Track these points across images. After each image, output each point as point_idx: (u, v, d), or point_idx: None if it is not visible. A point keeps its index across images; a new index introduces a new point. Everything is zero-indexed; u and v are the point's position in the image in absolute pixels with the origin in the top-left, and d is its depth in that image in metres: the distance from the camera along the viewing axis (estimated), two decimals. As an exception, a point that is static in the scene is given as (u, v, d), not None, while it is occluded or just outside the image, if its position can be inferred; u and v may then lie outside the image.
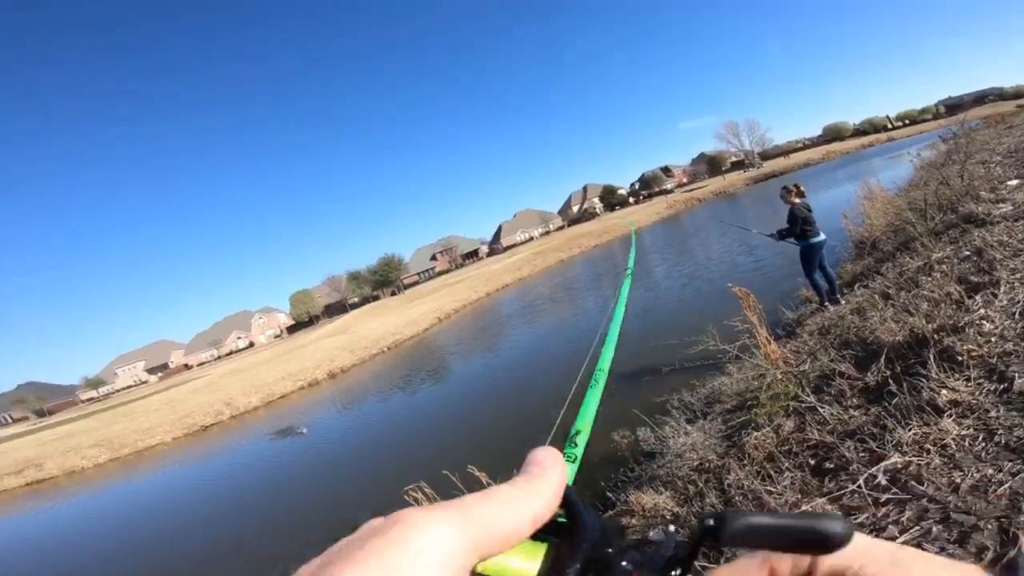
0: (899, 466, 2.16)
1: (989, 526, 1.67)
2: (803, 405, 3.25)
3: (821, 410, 2.98)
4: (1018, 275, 3.40)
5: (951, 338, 2.85)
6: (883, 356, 3.15)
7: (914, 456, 2.17)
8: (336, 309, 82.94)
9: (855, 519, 2.06)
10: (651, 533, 0.29)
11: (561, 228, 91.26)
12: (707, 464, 3.57)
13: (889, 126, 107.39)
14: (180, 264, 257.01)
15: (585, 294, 17.89)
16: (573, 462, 0.63)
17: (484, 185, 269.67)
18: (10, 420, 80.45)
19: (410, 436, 8.84)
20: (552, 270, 33.35)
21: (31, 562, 9.57)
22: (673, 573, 0.26)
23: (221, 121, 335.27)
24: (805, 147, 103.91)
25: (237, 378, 27.82)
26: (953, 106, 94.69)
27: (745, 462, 3.14)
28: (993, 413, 2.21)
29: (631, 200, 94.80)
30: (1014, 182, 6.24)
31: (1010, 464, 1.89)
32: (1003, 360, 2.51)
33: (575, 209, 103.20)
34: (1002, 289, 3.22)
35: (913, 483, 2.02)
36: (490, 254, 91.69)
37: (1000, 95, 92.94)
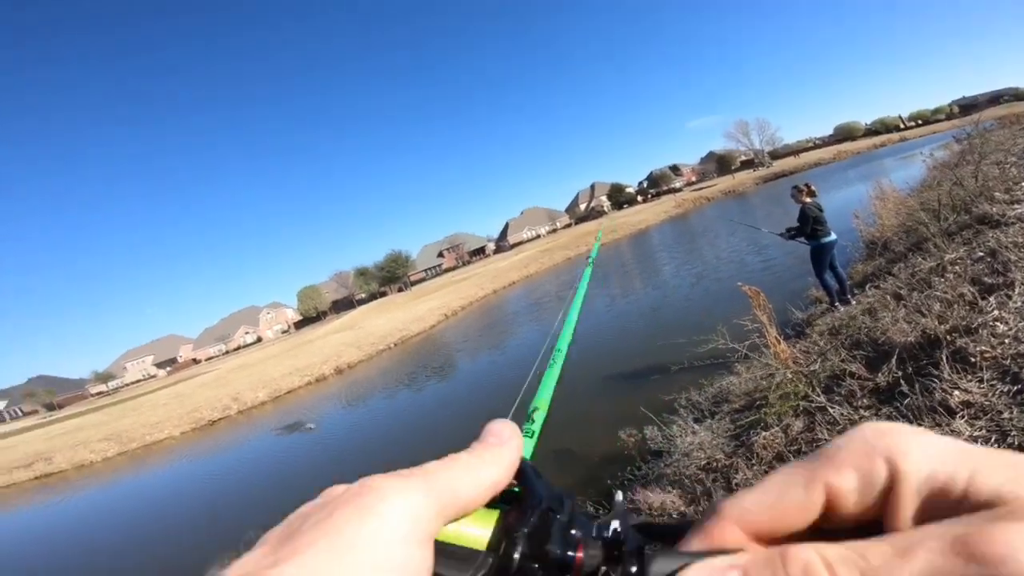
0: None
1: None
2: (813, 405, 3.24)
3: (831, 410, 2.97)
4: (1033, 277, 3.36)
5: (964, 339, 2.83)
6: (895, 357, 3.13)
7: (926, 456, 2.15)
8: (343, 305, 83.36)
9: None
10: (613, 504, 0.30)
11: (568, 226, 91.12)
12: (715, 463, 3.57)
13: (901, 126, 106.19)
14: (189, 259, 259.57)
15: (591, 293, 17.86)
16: (530, 437, 0.66)
17: (491, 183, 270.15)
18: (20, 413, 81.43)
19: (416, 433, 8.87)
20: (559, 268, 33.31)
21: (41, 556, 9.72)
22: (618, 545, 0.26)
23: (230, 119, 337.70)
24: (816, 146, 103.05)
25: (245, 373, 28.02)
26: (967, 106, 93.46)
27: (753, 461, 3.13)
28: (1006, 415, 2.19)
29: (639, 199, 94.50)
30: (1030, 183, 6.15)
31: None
32: (1017, 362, 2.49)
33: (582, 207, 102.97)
34: (1016, 291, 3.18)
35: (924, 484, 2.01)
36: (497, 251, 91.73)
37: (1016, 95, 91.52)
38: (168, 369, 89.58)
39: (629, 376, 7.03)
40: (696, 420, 4.39)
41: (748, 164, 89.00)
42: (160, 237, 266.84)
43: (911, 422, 2.39)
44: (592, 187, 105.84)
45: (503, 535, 0.26)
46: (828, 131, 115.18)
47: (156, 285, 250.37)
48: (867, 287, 5.63)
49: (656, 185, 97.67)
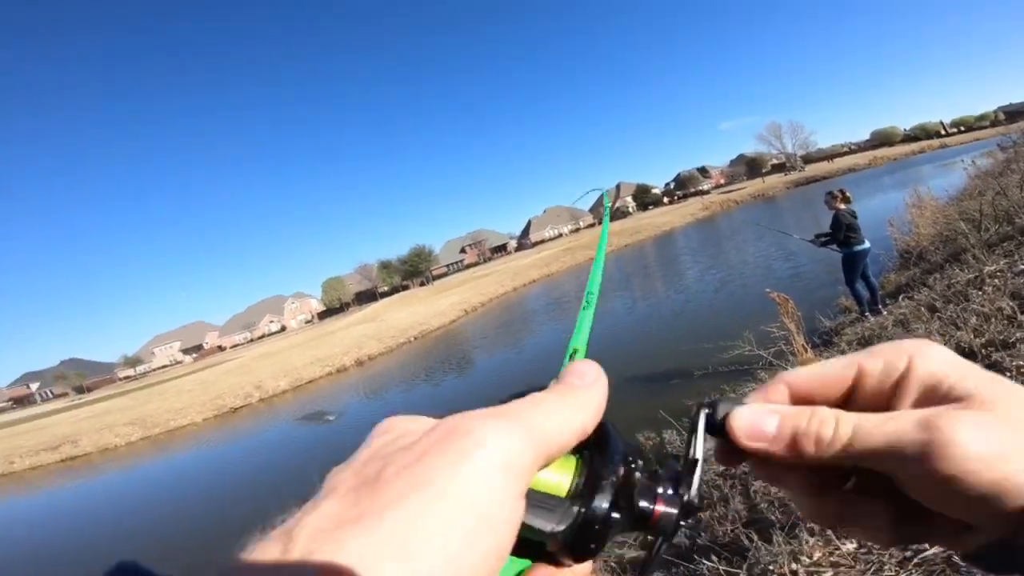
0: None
1: None
2: (838, 415, 3.17)
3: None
4: (1078, 292, 3.23)
5: (1000, 353, 2.74)
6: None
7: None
8: (366, 297, 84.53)
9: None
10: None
11: (591, 226, 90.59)
12: (733, 469, 3.53)
13: (943, 132, 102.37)
14: (221, 246, 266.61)
15: (612, 295, 17.74)
16: None
17: (516, 181, 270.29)
18: (51, 395, 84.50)
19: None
20: (581, 268, 33.16)
21: (68, 532, 10.10)
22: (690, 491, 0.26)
23: (268, 112, 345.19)
24: (851, 151, 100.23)
25: (268, 361, 28.61)
26: (1014, 113, 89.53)
27: (774, 469, 3.08)
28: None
29: (665, 200, 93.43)
30: (1079, 194, 5.89)
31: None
32: (1056, 379, 2.40)
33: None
34: (1059, 306, 3.06)
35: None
36: (518, 249, 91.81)
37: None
38: (194, 355, 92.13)
39: (649, 379, 6.97)
40: (716, 426, 4.34)
41: (779, 168, 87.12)
42: (194, 225, 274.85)
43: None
44: (617, 187, 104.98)
45: (588, 483, 0.24)
46: (864, 136, 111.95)
47: (188, 271, 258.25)
48: (900, 297, 5.48)
49: (683, 187, 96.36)
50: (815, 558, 2.08)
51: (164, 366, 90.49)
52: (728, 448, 0.30)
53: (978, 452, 0.23)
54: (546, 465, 0.23)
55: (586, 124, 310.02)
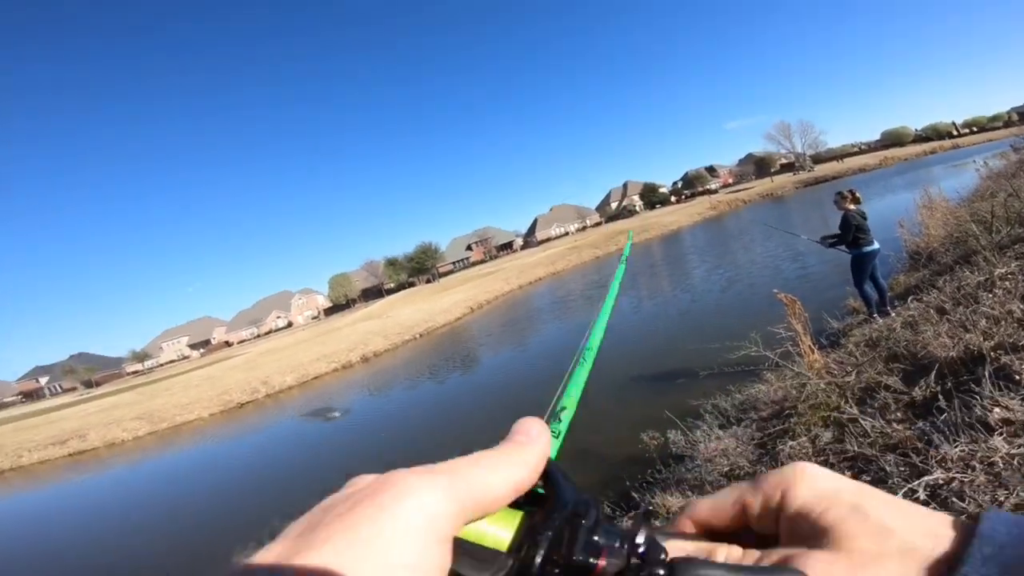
0: (941, 482, 2.09)
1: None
2: (844, 416, 3.15)
3: (863, 422, 2.89)
4: (1090, 295, 3.19)
5: (1009, 356, 2.71)
6: (934, 372, 3.02)
7: (958, 473, 2.09)
8: (372, 293, 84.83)
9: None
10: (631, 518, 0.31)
11: (598, 224, 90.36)
12: (737, 471, 3.51)
13: (954, 133, 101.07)
14: (227, 243, 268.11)
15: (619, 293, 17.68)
16: (557, 437, 0.65)
17: (522, 178, 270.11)
18: (60, 389, 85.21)
19: (437, 424, 8.99)
20: (587, 266, 33.11)
21: (74, 527, 10.23)
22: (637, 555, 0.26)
23: (276, 107, 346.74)
24: (861, 152, 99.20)
25: (274, 357, 28.76)
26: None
27: (778, 470, 3.07)
28: (1051, 436, 2.10)
29: (672, 199, 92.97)
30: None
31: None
32: (1066, 383, 2.37)
33: (613, 206, 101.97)
34: (1071, 309, 3.03)
35: (954, 499, 1.96)
36: (524, 247, 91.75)
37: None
38: (202, 351, 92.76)
39: (654, 378, 6.96)
40: (721, 426, 4.33)
41: (788, 167, 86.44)
42: (204, 221, 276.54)
43: (947, 438, 2.31)
44: (624, 186, 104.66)
45: (526, 537, 0.25)
46: (875, 136, 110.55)
47: (197, 266, 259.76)
48: (909, 299, 5.42)
49: (691, 186, 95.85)
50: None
51: (172, 361, 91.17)
52: None
53: None
54: (482, 517, 0.25)
55: (593, 123, 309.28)
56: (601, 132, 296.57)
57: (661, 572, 0.26)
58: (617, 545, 0.26)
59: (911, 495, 2.12)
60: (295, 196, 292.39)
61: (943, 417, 2.50)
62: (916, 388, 3.06)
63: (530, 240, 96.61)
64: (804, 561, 0.26)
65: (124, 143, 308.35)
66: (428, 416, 9.72)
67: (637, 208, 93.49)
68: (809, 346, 4.28)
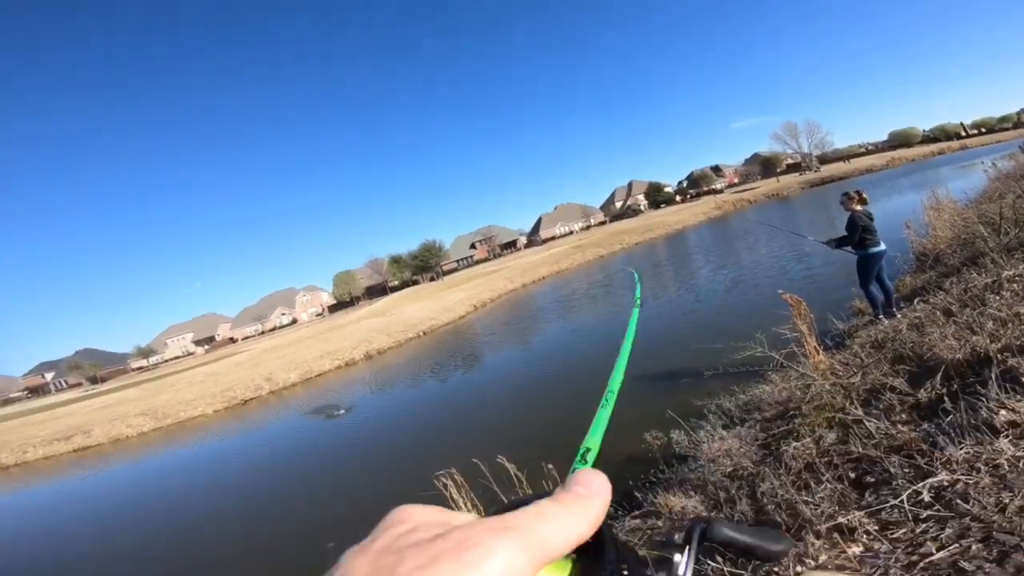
0: (945, 483, 2.08)
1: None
2: (849, 418, 3.14)
3: (868, 424, 2.88)
4: (1099, 298, 3.16)
5: (1016, 359, 2.69)
6: (940, 373, 3.01)
7: (963, 475, 2.08)
8: (376, 291, 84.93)
9: (891, 534, 2.00)
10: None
11: (602, 223, 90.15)
12: (741, 471, 3.50)
13: (963, 133, 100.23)
14: (233, 240, 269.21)
15: (622, 292, 17.67)
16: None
17: (527, 177, 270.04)
18: (65, 385, 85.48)
19: (440, 422, 9.01)
20: (591, 265, 33.06)
21: (77, 521, 10.28)
22: None
23: (280, 105, 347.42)
24: (868, 152, 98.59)
25: (278, 354, 28.82)
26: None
27: (781, 471, 3.06)
28: (1057, 439, 2.08)
29: (677, 198, 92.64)
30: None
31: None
32: (1074, 386, 2.35)
33: (618, 205, 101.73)
34: (1079, 312, 3.00)
35: (958, 501, 1.95)
36: (528, 245, 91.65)
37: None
38: (206, 347, 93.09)
39: (658, 378, 6.95)
40: (725, 427, 4.32)
41: (794, 167, 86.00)
42: (210, 218, 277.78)
43: (952, 440, 2.30)
44: (629, 185, 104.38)
45: None
46: (882, 136, 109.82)
47: (203, 263, 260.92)
48: (915, 301, 5.40)
49: (696, 185, 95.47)
50: (820, 560, 2.07)
51: (176, 357, 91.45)
52: None
53: None
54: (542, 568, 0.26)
55: (599, 121, 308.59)
56: (607, 131, 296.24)
57: None
58: None
59: (915, 497, 2.12)
60: (300, 194, 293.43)
61: (948, 419, 2.49)
62: (922, 390, 3.04)
63: (534, 239, 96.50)
64: None
65: (128, 142, 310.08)
66: (431, 414, 9.73)
67: (642, 207, 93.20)
68: (814, 347, 4.27)
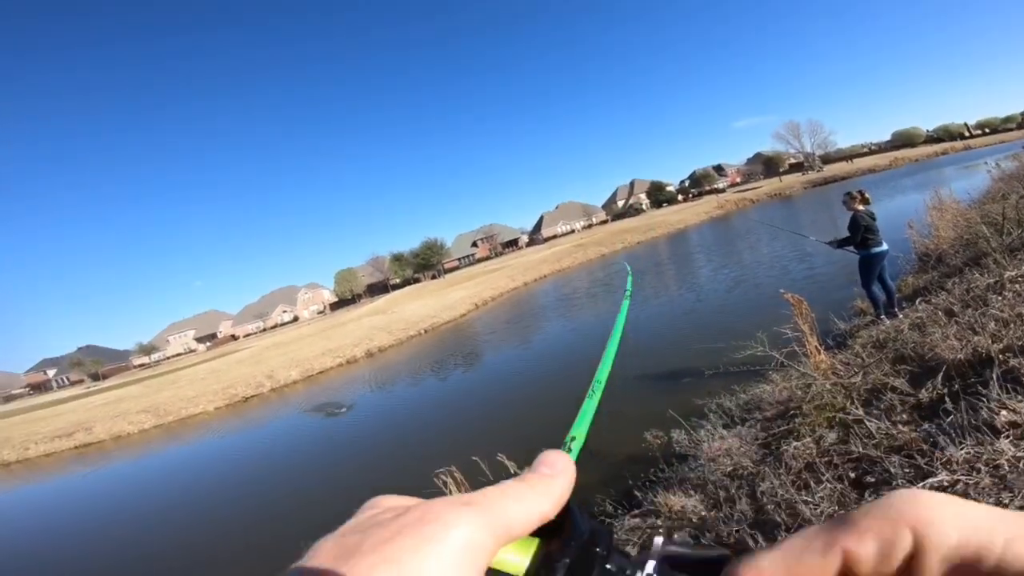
0: (946, 484, 2.08)
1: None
2: (849, 417, 3.14)
3: (868, 424, 2.87)
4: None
5: (1018, 359, 2.68)
6: (941, 374, 3.00)
7: (963, 475, 2.08)
8: (378, 289, 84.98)
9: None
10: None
11: (604, 222, 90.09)
12: (741, 470, 3.50)
13: (967, 134, 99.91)
14: (235, 237, 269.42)
15: (622, 291, 17.62)
16: None
17: (528, 175, 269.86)
18: (67, 382, 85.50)
19: (440, 420, 9.02)
20: (592, 264, 33.06)
21: (86, 516, 10.31)
22: None
23: (283, 101, 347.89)
24: (871, 152, 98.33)
25: (279, 351, 28.84)
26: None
27: (781, 471, 3.06)
28: (1058, 440, 2.08)
29: (680, 198, 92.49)
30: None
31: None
32: (1075, 387, 2.35)
33: (620, 204, 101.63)
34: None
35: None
36: (530, 244, 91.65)
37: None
38: (208, 344, 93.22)
39: (658, 377, 6.95)
40: (725, 426, 4.32)
41: (797, 167, 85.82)
42: (212, 215, 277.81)
43: (953, 440, 2.29)
44: (631, 184, 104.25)
45: (542, 565, 0.27)
46: (885, 136, 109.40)
47: (205, 260, 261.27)
48: (917, 301, 5.39)
49: (698, 184, 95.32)
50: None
51: (178, 354, 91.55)
52: None
53: None
54: (507, 545, 0.26)
55: (601, 120, 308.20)
56: (609, 130, 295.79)
57: None
58: (629, 573, 0.27)
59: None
60: (301, 192, 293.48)
61: (949, 419, 2.49)
62: (923, 390, 3.04)
63: (536, 237, 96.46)
64: None
65: (130, 140, 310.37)
66: (432, 412, 9.74)
67: (644, 206, 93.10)
68: (815, 347, 4.26)
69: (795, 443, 3.23)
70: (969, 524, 0.20)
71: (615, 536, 0.29)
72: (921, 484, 2.15)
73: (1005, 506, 1.83)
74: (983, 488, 1.98)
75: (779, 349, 4.51)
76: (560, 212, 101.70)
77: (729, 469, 3.56)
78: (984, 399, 2.46)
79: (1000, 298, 3.78)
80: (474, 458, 3.91)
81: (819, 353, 4.28)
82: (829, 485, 2.59)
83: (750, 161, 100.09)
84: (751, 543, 2.46)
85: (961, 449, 2.22)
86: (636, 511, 3.75)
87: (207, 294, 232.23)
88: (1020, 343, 2.86)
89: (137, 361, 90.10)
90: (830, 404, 3.52)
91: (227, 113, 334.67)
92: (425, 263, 78.27)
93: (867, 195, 5.99)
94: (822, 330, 5.19)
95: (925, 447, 2.42)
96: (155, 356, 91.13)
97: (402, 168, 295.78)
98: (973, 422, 2.35)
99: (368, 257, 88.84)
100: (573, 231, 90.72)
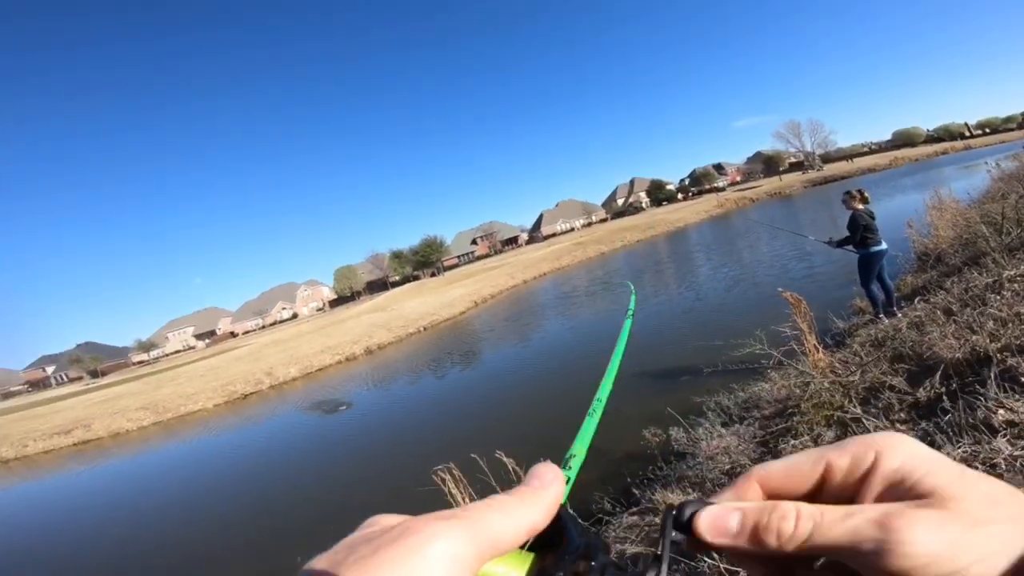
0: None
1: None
2: (847, 416, 3.14)
3: (866, 422, 2.88)
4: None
5: (1016, 359, 2.68)
6: (939, 372, 3.00)
7: (962, 474, 2.08)
8: (377, 286, 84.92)
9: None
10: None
11: (604, 220, 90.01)
12: (739, 469, 3.51)
13: (967, 133, 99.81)
14: (235, 234, 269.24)
15: (621, 290, 17.65)
16: (566, 483, 0.66)
17: (528, 173, 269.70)
18: (66, 379, 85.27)
19: (439, 418, 9.02)
20: (592, 262, 33.04)
21: (87, 514, 10.31)
22: None
23: (284, 103, 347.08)
24: (871, 151, 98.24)
25: (278, 348, 28.84)
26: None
27: (779, 469, 3.06)
28: (1055, 439, 2.08)
29: (680, 196, 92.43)
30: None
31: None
32: (1073, 386, 2.35)
33: (620, 202, 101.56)
34: (1080, 312, 2.99)
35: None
36: (530, 242, 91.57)
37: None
38: (207, 341, 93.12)
39: (657, 375, 6.95)
40: (723, 424, 4.32)
41: (797, 166, 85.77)
42: (211, 213, 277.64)
43: (950, 439, 2.30)
44: (631, 182, 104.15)
45: None
46: (886, 136, 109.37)
47: (204, 257, 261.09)
48: (916, 300, 5.39)
49: (698, 183, 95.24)
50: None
51: (177, 351, 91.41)
52: (696, 541, 0.30)
53: (929, 551, 0.23)
54: (496, 558, 0.26)
55: (600, 119, 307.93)
56: (609, 129, 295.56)
57: None
58: None
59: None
60: (301, 189, 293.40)
61: (947, 418, 2.49)
62: (920, 389, 3.04)
63: (535, 235, 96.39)
64: (910, 518, 0.24)
65: (130, 138, 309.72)
66: (430, 410, 9.75)
67: (644, 205, 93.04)
68: (814, 345, 4.27)
69: (793, 441, 3.24)
70: (911, 457, 0.27)
71: (611, 547, 0.30)
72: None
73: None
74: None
75: (778, 348, 4.51)
76: (560, 210, 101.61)
77: (727, 467, 3.57)
78: (982, 398, 2.46)
79: (999, 297, 3.78)
80: (473, 455, 3.91)
81: (818, 352, 4.29)
82: (827, 483, 2.60)
83: (750, 160, 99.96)
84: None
85: (958, 448, 2.22)
86: (634, 509, 3.76)
87: (207, 291, 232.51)
88: (1018, 342, 2.86)
89: (136, 358, 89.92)
90: (828, 402, 3.52)
91: (227, 112, 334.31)
92: (425, 260, 78.22)
93: (866, 194, 5.99)
94: (821, 329, 5.19)
95: (923, 446, 2.42)
96: (154, 353, 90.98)
97: (402, 166, 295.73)
98: (971, 421, 2.36)
99: (368, 254, 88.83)
100: (573, 229, 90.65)
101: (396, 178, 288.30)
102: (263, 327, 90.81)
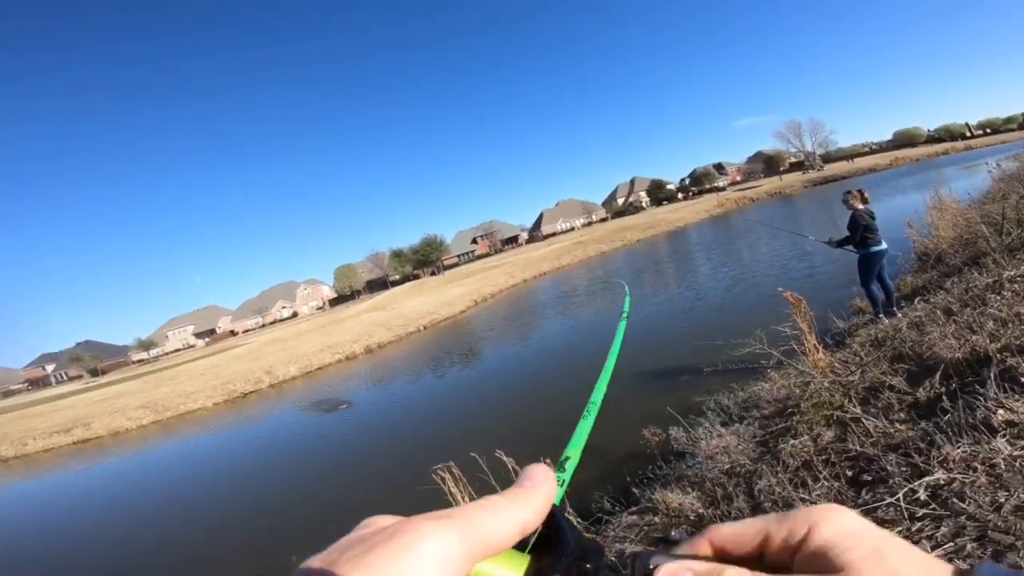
0: (942, 482, 2.08)
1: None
2: (847, 416, 3.14)
3: (866, 422, 2.88)
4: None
5: (1016, 359, 2.68)
6: (939, 372, 3.00)
7: (959, 473, 2.08)
8: (377, 285, 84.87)
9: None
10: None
11: (604, 220, 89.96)
12: (738, 468, 3.51)
13: (968, 134, 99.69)
14: (235, 233, 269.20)
15: (619, 291, 17.63)
16: (561, 485, 0.68)
17: (529, 173, 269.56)
18: (66, 377, 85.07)
19: (438, 417, 9.01)
20: (592, 261, 33.03)
21: (85, 514, 10.31)
22: None
23: (284, 101, 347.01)
24: (872, 152, 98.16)
25: (278, 347, 28.83)
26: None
27: (779, 469, 3.06)
28: (1055, 439, 2.08)
29: (680, 196, 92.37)
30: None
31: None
32: (1073, 386, 2.35)
33: (620, 201, 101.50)
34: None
35: (954, 500, 1.95)
36: (530, 241, 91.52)
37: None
38: (207, 339, 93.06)
39: (657, 375, 6.95)
40: (723, 424, 4.32)
41: (797, 166, 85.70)
42: (212, 211, 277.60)
43: (950, 439, 2.29)
44: (632, 181, 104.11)
45: None
46: (887, 136, 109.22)
47: (204, 256, 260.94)
48: (916, 300, 5.39)
49: (699, 183, 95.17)
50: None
51: (177, 350, 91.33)
52: None
53: None
54: (489, 557, 0.27)
55: (600, 118, 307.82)
56: (609, 128, 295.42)
57: None
58: None
59: (911, 495, 2.12)
60: (302, 188, 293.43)
61: (946, 418, 2.49)
62: (920, 389, 3.04)
63: (535, 234, 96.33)
64: None
65: (130, 137, 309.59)
66: (430, 409, 9.75)
67: (644, 204, 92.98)
68: (814, 345, 4.26)
69: (792, 441, 3.23)
70: (837, 535, 0.28)
71: (606, 549, 0.31)
72: (918, 482, 2.15)
73: (1001, 505, 1.83)
74: (979, 487, 1.98)
75: (778, 347, 4.51)
76: (560, 209, 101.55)
77: (727, 467, 3.56)
78: (981, 398, 2.46)
79: (999, 297, 3.78)
80: (472, 454, 3.90)
81: (817, 351, 4.29)
82: (826, 483, 2.60)
83: (751, 160, 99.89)
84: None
85: (958, 448, 2.22)
86: (634, 508, 3.75)
87: (206, 290, 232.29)
88: (1018, 342, 2.86)
89: (136, 357, 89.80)
90: (828, 402, 3.52)
91: (227, 112, 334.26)
92: (425, 259, 78.20)
93: (866, 194, 5.99)
94: (821, 329, 5.19)
95: (922, 445, 2.42)
96: (154, 352, 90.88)
97: (402, 165, 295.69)
98: (970, 421, 2.35)
99: (368, 253, 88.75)
100: (573, 228, 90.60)
101: (396, 177, 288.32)
102: (263, 326, 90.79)
